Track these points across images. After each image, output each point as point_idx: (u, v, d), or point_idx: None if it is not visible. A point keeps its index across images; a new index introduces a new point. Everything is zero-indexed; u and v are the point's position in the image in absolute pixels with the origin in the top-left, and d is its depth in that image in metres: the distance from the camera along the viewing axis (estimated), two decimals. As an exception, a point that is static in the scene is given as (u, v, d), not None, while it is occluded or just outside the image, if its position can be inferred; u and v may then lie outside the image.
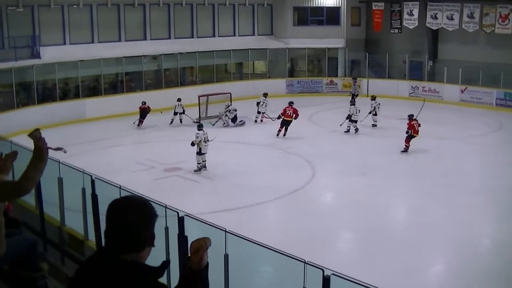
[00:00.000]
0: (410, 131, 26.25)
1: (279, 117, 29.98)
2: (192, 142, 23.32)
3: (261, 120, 33.53)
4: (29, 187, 5.69)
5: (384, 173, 23.04)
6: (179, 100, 33.28)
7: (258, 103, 33.61)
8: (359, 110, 30.08)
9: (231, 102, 33.78)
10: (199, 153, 23.37)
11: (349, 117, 29.97)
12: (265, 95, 33.87)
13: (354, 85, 40.25)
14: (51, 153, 5.69)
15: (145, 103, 32.84)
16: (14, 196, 6.17)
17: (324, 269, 6.10)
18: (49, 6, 35.05)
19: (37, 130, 5.66)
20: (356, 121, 30.09)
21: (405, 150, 26.25)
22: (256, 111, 33.70)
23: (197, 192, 20.92)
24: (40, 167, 5.60)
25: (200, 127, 23.82)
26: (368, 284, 5.80)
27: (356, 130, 30.10)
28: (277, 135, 29.42)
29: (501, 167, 23.94)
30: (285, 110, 29.69)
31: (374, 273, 13.53)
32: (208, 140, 23.46)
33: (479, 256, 15.62)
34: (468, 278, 14.24)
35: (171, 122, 33.29)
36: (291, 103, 30.24)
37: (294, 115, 29.55)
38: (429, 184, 21.54)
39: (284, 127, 29.39)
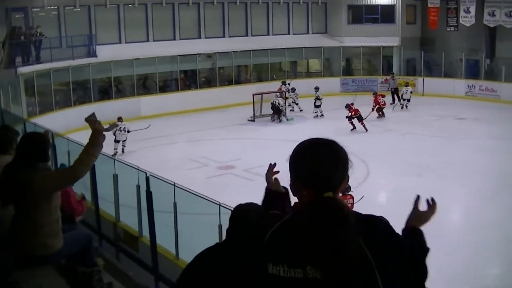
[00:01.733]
0: (350, 114, 30.37)
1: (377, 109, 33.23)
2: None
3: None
4: (83, 172, 5.93)
5: (440, 173, 22.55)
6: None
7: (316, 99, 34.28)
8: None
9: (285, 100, 33.92)
10: (115, 140, 25.82)
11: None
12: (317, 88, 34.26)
13: (394, 79, 39.44)
14: (106, 150, 5.78)
15: (284, 82, 36.66)
16: (69, 181, 6.28)
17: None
18: (105, 5, 35.59)
19: (93, 114, 5.80)
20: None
21: (354, 128, 30.49)
22: (314, 106, 34.21)
23: (251, 189, 20.86)
24: (94, 151, 5.81)
25: (119, 119, 25.75)
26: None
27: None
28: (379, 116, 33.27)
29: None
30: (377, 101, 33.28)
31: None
32: (128, 130, 26.21)
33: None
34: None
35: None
36: (375, 94, 33.96)
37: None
38: (485, 185, 21.13)
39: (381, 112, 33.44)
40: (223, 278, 3.49)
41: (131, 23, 37.09)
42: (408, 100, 36.43)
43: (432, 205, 3.36)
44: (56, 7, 33.94)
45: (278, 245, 2.74)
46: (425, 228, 3.32)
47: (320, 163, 2.78)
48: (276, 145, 26.97)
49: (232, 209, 4.10)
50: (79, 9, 34.65)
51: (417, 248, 3.10)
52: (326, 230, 2.59)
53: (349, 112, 30.45)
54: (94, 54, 34.34)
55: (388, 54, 44.64)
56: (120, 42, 36.57)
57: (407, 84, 38.04)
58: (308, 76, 44.28)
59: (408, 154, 25.70)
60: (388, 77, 39.72)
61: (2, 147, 6.98)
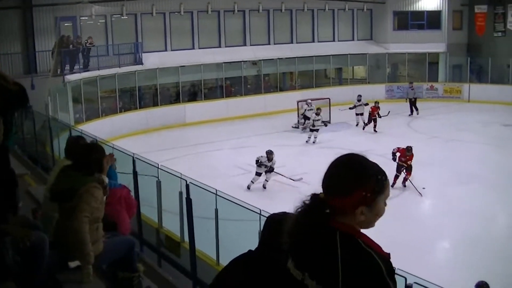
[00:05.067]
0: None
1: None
2: None
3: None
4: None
5: (487, 181, 22.26)
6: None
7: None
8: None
9: (329, 107, 33.86)
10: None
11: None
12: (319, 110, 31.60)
13: (412, 89, 38.14)
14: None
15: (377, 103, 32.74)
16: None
17: (408, 276, 6.05)
18: (151, 13, 36.00)
19: None
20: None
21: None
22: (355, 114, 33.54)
23: (295, 196, 20.86)
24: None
25: None
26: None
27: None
28: None
29: None
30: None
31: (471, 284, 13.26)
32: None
33: None
34: None
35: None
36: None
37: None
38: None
39: None
40: (251, 284, 3.60)
41: (177, 30, 37.49)
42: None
43: None
44: (103, 16, 34.50)
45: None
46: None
47: (327, 170, 3.00)
48: (320, 153, 26.97)
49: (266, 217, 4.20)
50: (126, 17, 35.12)
51: None
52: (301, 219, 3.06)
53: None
54: (140, 62, 34.76)
55: (434, 60, 44.20)
56: (166, 50, 36.99)
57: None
58: (353, 83, 44.08)
59: (453, 161, 25.40)
60: (409, 84, 39.03)
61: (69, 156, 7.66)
